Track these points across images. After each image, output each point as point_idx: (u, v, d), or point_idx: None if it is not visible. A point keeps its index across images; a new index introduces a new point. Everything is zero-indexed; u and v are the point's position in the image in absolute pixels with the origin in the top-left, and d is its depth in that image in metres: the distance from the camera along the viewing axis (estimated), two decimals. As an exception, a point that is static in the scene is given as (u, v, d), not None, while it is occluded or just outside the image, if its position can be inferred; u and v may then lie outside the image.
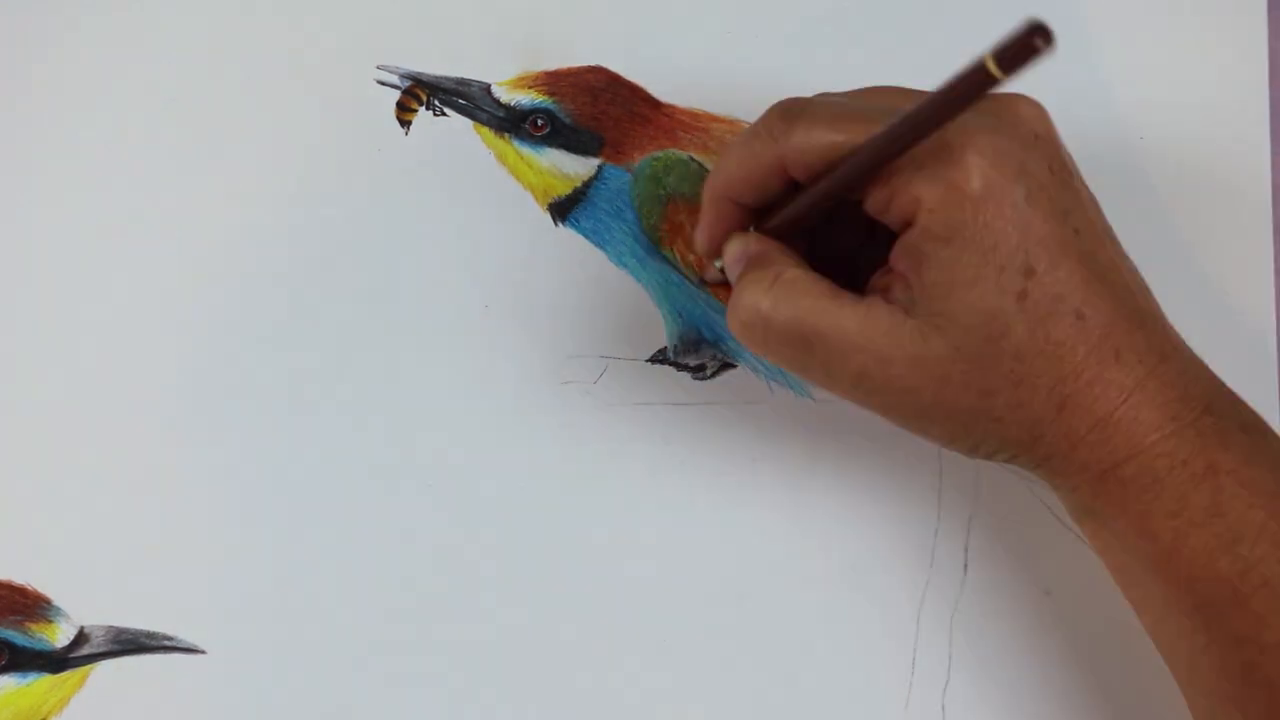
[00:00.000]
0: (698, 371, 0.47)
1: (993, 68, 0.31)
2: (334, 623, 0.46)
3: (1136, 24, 0.49)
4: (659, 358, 0.47)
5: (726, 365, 0.47)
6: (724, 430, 0.47)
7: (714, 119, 0.48)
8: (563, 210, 0.48)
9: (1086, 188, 0.37)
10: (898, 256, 0.36)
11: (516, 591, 0.46)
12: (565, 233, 0.48)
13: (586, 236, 0.48)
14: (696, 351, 0.47)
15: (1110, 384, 0.36)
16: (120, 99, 0.49)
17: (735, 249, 0.40)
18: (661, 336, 0.47)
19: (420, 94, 0.49)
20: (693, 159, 0.48)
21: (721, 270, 0.41)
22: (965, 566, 0.46)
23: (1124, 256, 0.38)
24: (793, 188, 0.38)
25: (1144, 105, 0.48)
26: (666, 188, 0.47)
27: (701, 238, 0.41)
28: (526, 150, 0.48)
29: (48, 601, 0.46)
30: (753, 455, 0.46)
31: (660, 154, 0.48)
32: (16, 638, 0.45)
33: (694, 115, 0.48)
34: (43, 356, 0.48)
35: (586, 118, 0.48)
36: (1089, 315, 0.35)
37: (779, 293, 0.37)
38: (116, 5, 0.50)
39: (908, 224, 0.36)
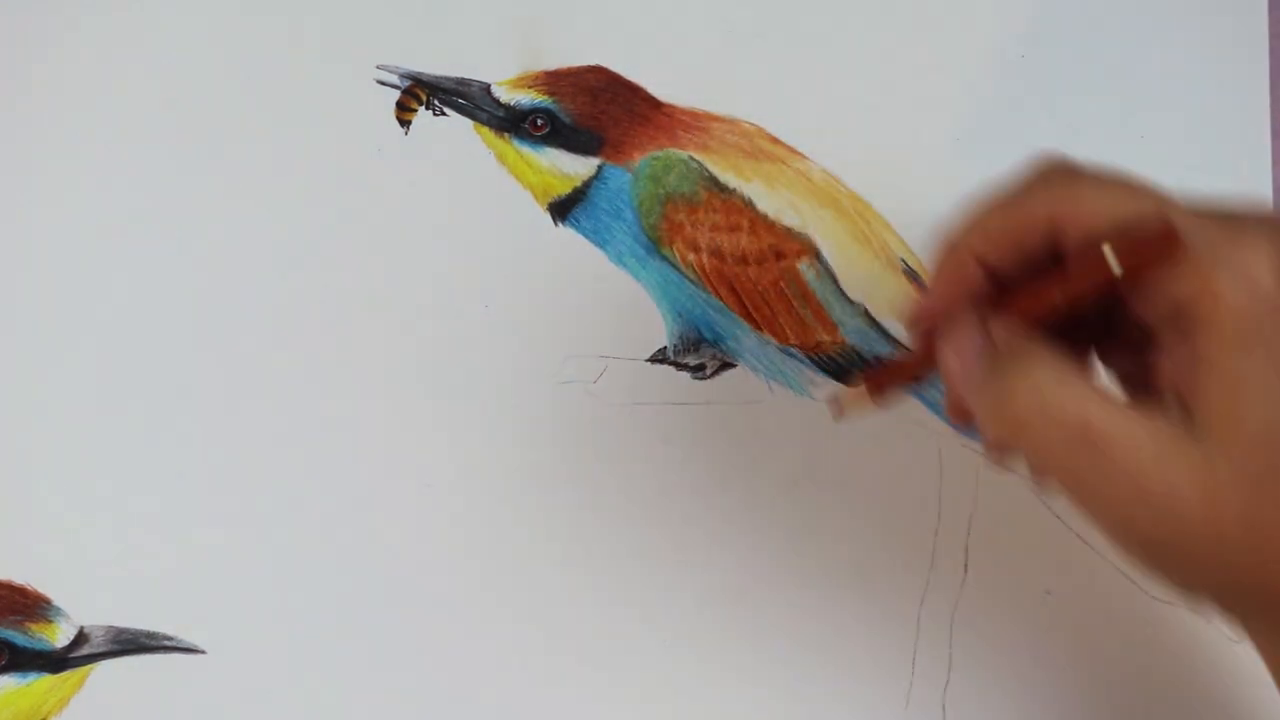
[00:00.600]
0: (697, 371, 0.47)
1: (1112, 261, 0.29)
2: (334, 623, 0.46)
3: (1137, 23, 0.49)
4: (659, 357, 0.47)
5: (726, 365, 0.47)
6: (724, 429, 0.47)
7: (714, 118, 0.48)
8: (562, 210, 0.48)
9: None
10: (1177, 365, 0.31)
11: (516, 591, 0.46)
12: (565, 232, 0.48)
13: (586, 236, 0.48)
14: (696, 351, 0.47)
15: None
16: (120, 99, 0.49)
17: (972, 336, 0.33)
18: (661, 336, 0.47)
19: (420, 94, 0.49)
20: (692, 158, 0.48)
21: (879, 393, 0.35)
22: (965, 566, 0.46)
23: None
24: (1041, 263, 0.33)
25: (1144, 104, 0.48)
26: (666, 187, 0.47)
27: (925, 303, 0.35)
28: (526, 150, 0.48)
29: (48, 602, 0.46)
30: (752, 454, 0.46)
31: (660, 153, 0.48)
32: (16, 638, 0.45)
33: (694, 115, 0.48)
34: (43, 357, 0.48)
35: (586, 117, 0.48)
36: None
37: (1067, 381, 0.31)
38: (116, 5, 0.50)
39: (1190, 325, 0.30)
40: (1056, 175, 0.32)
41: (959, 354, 0.33)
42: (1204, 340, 0.30)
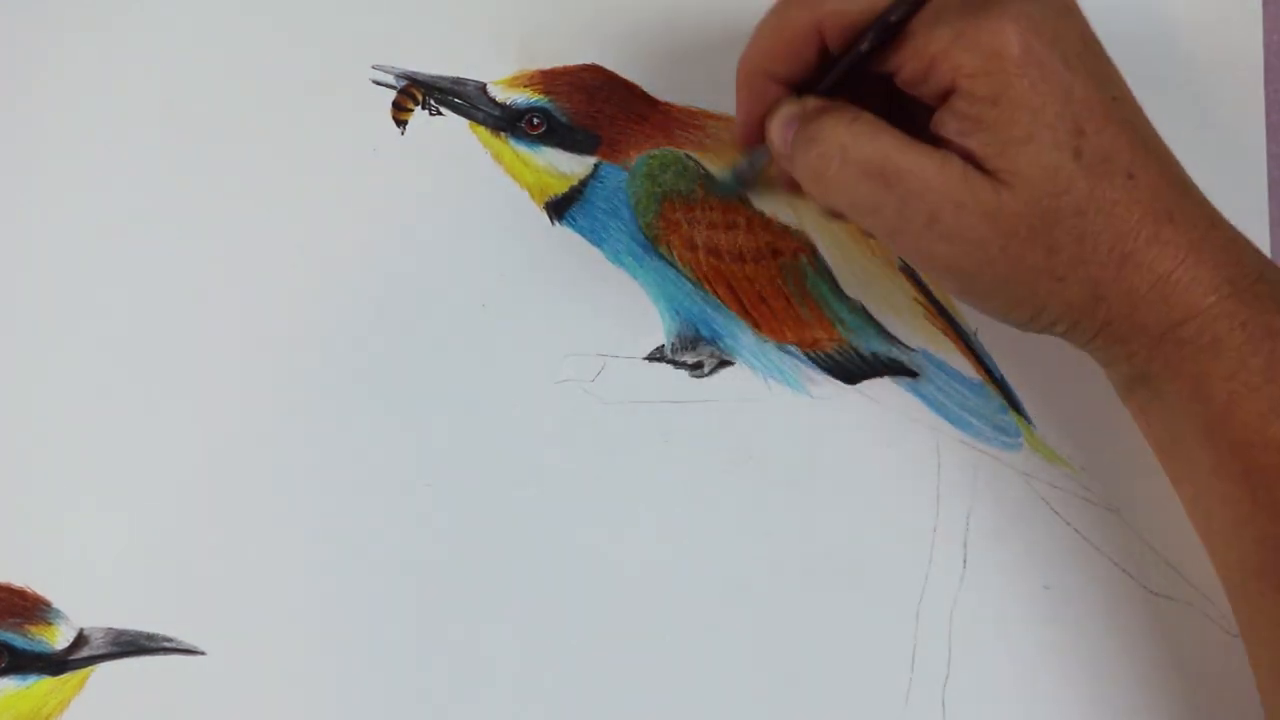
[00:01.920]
0: (695, 369, 0.47)
1: None
2: (334, 623, 0.46)
3: (1131, 18, 0.48)
4: (656, 356, 0.47)
5: (724, 363, 0.47)
6: (722, 427, 0.47)
7: (710, 116, 0.48)
8: (559, 209, 0.48)
9: (1114, 62, 0.38)
10: (944, 124, 0.37)
11: (515, 590, 0.46)
12: (562, 231, 0.48)
13: (583, 235, 0.48)
14: (694, 349, 0.47)
15: (1167, 244, 0.36)
16: (120, 99, 0.49)
17: (788, 111, 0.40)
18: (659, 334, 0.47)
19: (416, 93, 0.49)
20: (689, 157, 0.48)
21: (749, 165, 0.41)
22: (964, 562, 0.46)
23: (1153, 127, 0.38)
24: (825, 61, 0.39)
25: (1139, 101, 0.48)
26: (663, 185, 0.47)
27: (738, 122, 0.41)
28: (523, 149, 0.48)
29: (47, 604, 0.46)
30: (750, 452, 0.46)
31: (657, 152, 0.48)
32: (16, 640, 0.45)
33: (690, 113, 0.48)
34: (42, 357, 0.48)
35: (583, 116, 0.48)
36: (1139, 176, 0.36)
37: (860, 128, 0.37)
38: (116, 5, 0.50)
39: (947, 92, 0.37)
40: None
41: (776, 131, 0.40)
42: (958, 101, 0.36)
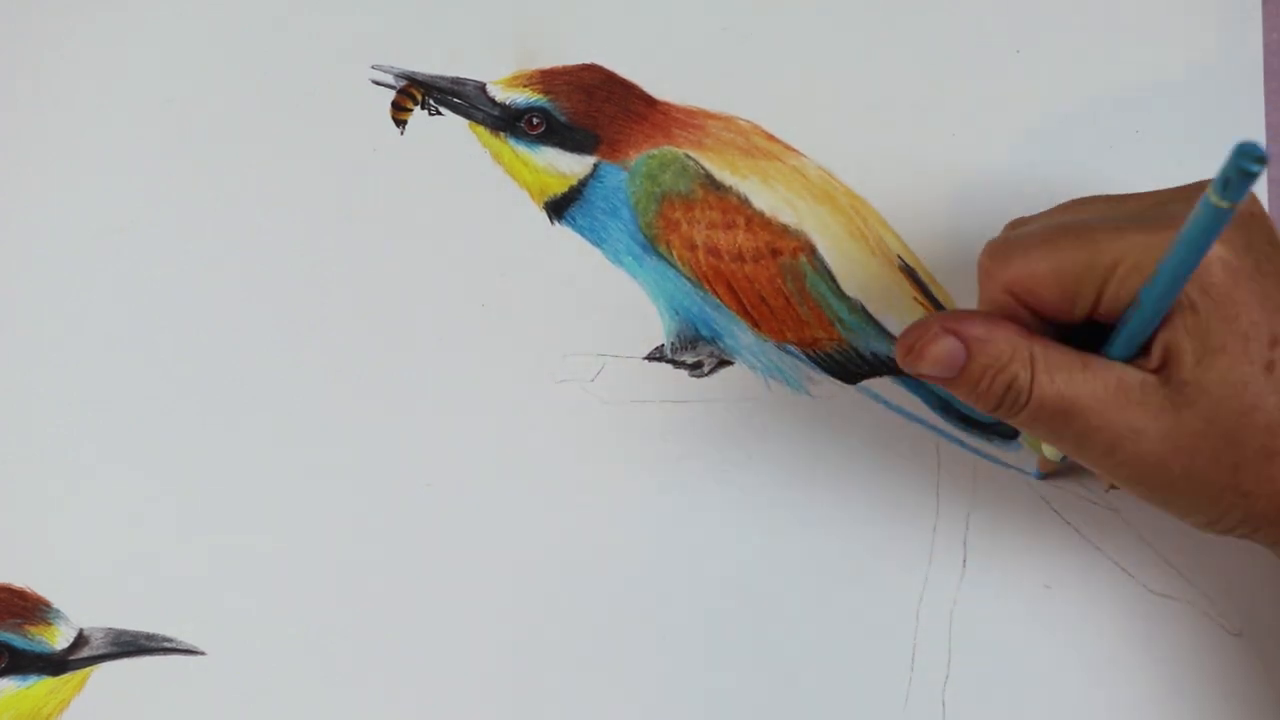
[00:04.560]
0: (695, 369, 0.47)
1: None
2: (334, 623, 0.46)
3: (1130, 18, 0.48)
4: (656, 355, 0.47)
5: (724, 362, 0.47)
6: (721, 427, 0.47)
7: (710, 116, 0.48)
8: (559, 208, 0.48)
9: None
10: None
11: (515, 590, 0.46)
12: (561, 231, 0.48)
13: (583, 235, 0.48)
14: (694, 349, 0.47)
15: None
16: (120, 99, 0.49)
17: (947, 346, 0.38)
18: (658, 334, 0.47)
19: (415, 93, 0.49)
20: (689, 156, 0.48)
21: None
22: (964, 561, 0.46)
23: None
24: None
25: (1140, 101, 0.48)
26: (662, 185, 0.47)
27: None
28: (522, 149, 0.48)
29: (47, 604, 0.46)
30: (750, 452, 0.46)
31: (656, 151, 0.48)
32: (16, 640, 0.45)
33: (690, 113, 0.48)
34: (42, 357, 0.48)
35: (582, 116, 0.48)
36: None
37: (1038, 365, 0.36)
38: (117, 5, 0.50)
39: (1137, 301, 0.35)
40: (987, 261, 0.38)
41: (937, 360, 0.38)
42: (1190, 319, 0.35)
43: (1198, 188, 0.36)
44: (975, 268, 0.39)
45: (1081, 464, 0.38)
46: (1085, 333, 0.37)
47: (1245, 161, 0.29)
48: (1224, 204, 0.30)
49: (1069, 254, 0.36)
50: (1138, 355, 0.36)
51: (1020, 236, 0.37)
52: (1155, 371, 0.36)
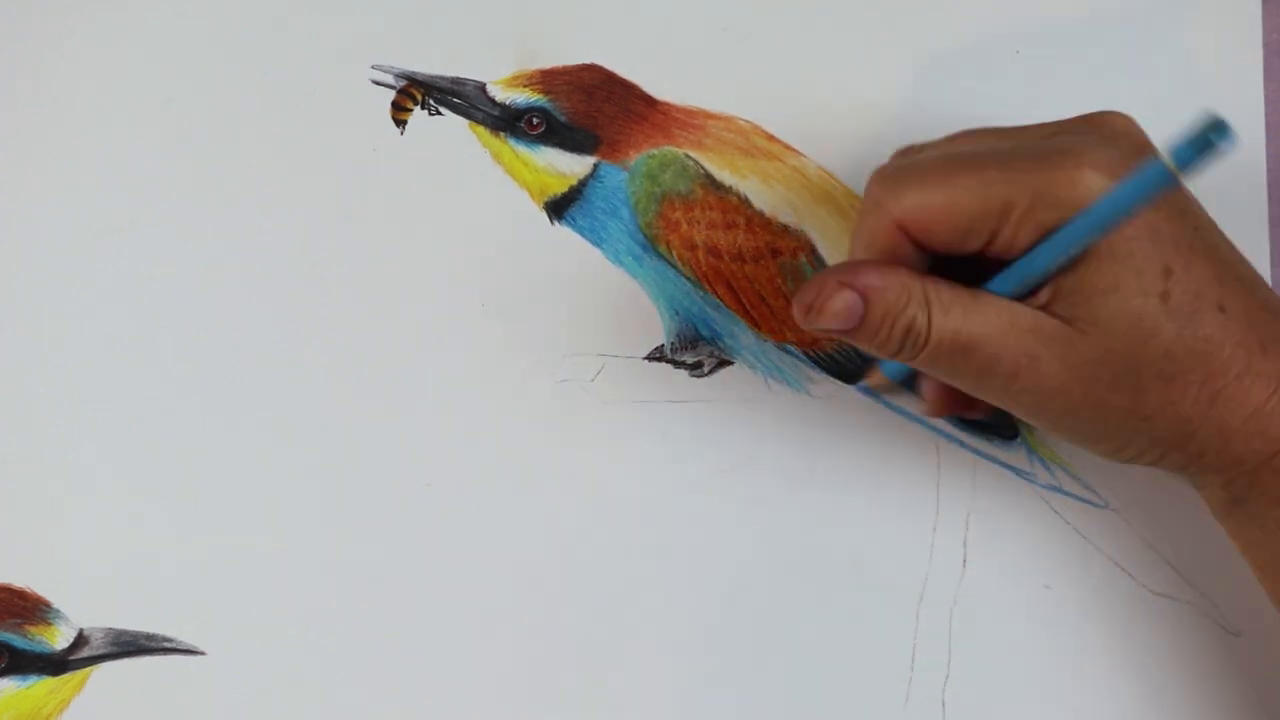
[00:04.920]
0: (695, 369, 0.47)
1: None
2: (334, 623, 0.46)
3: (1130, 19, 0.48)
4: (656, 355, 0.47)
5: (724, 362, 0.47)
6: (721, 427, 0.47)
7: (710, 116, 0.48)
8: (559, 208, 0.48)
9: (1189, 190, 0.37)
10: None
11: (515, 590, 0.46)
12: (561, 231, 0.48)
13: (583, 235, 0.48)
14: (694, 349, 0.47)
15: (1259, 375, 0.36)
16: (120, 99, 0.49)
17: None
18: (659, 334, 0.47)
19: (415, 93, 0.49)
20: (689, 156, 0.48)
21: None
22: (964, 561, 0.46)
23: (1236, 248, 0.38)
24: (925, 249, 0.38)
25: (1140, 101, 0.48)
26: (662, 185, 0.47)
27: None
28: (522, 149, 0.48)
29: (47, 604, 0.46)
30: (750, 452, 0.46)
31: (656, 151, 0.48)
32: (16, 640, 0.45)
33: (690, 113, 0.48)
34: (42, 357, 0.48)
35: (582, 116, 0.48)
36: (1230, 309, 0.35)
37: (934, 305, 0.37)
38: (117, 5, 0.50)
39: (1027, 249, 0.36)
40: (878, 188, 0.37)
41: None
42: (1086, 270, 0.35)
43: (1083, 119, 0.37)
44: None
45: (988, 401, 0.38)
46: (960, 264, 0.38)
47: (1213, 134, 0.29)
48: (1178, 171, 0.31)
49: (963, 191, 0.36)
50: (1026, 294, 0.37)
51: (912, 166, 0.37)
52: (1043, 308, 0.36)
